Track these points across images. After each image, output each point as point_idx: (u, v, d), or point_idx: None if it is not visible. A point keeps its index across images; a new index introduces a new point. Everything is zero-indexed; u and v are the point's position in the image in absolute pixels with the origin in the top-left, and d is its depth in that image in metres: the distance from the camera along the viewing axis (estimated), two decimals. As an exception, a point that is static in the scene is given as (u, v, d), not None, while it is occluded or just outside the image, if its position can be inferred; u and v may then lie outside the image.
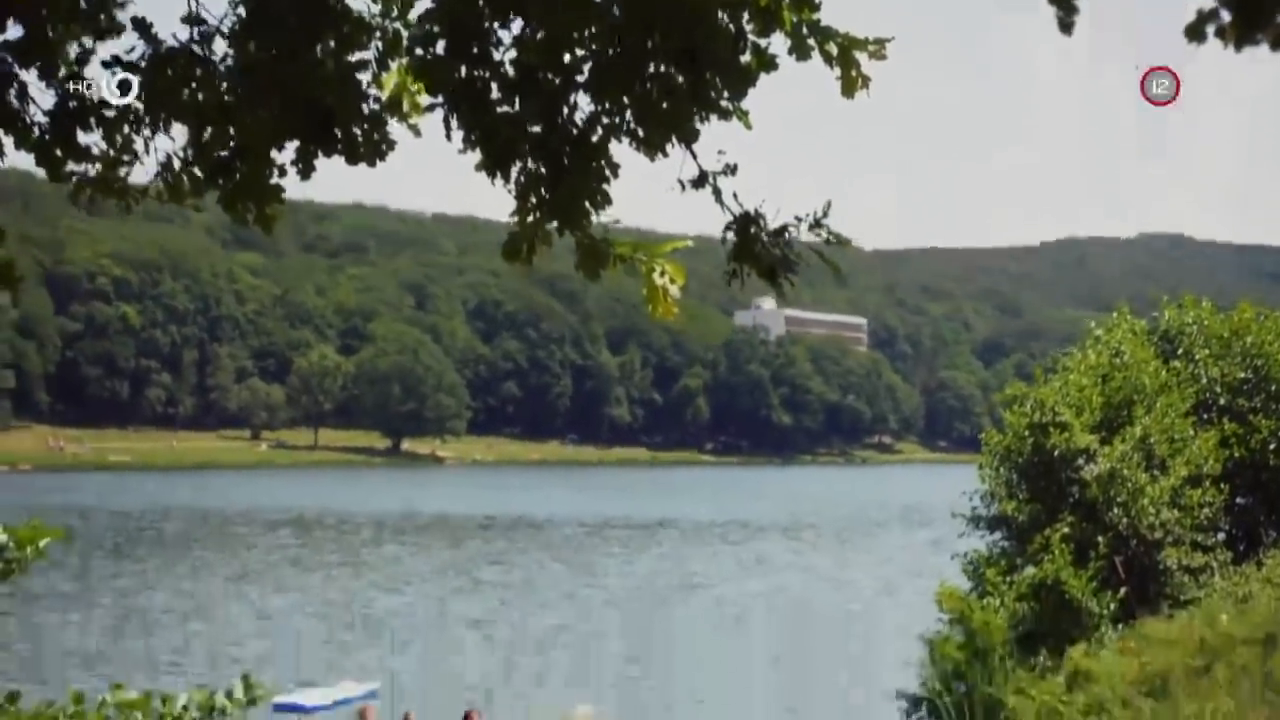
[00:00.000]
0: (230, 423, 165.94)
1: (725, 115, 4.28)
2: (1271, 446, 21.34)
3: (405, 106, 4.75)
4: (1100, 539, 18.67)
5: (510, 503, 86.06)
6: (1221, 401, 22.19)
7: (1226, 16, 3.53)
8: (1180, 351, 22.90)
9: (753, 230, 4.34)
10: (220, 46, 4.37)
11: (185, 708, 5.35)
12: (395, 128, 4.70)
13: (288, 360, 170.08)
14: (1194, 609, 17.79)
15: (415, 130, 4.81)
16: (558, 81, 4.27)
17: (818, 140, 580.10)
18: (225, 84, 4.30)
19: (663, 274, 4.49)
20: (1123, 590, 18.36)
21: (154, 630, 32.17)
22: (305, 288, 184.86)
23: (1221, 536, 21.08)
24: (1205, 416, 21.82)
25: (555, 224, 4.46)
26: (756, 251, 4.35)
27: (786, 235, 4.32)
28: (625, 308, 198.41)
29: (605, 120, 4.30)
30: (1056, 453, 19.63)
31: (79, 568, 45.44)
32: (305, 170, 4.36)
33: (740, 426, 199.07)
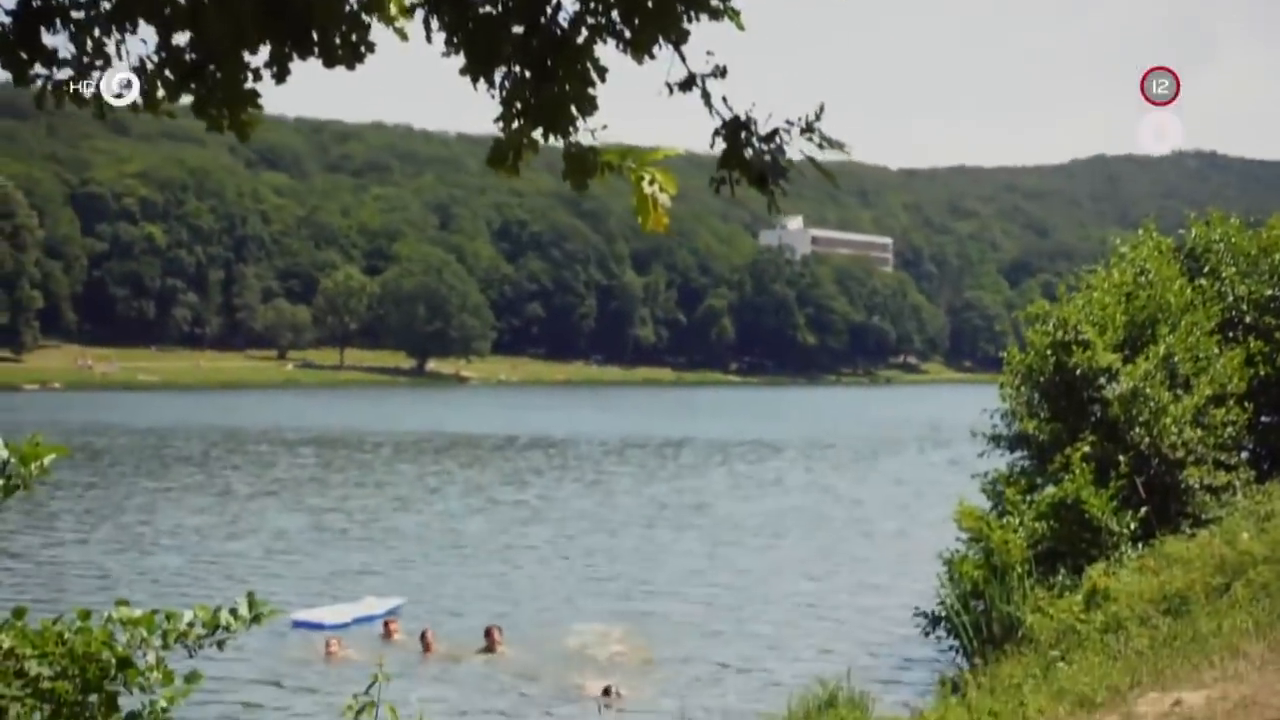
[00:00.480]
0: (257, 343, 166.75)
1: (715, 14, 4.10)
2: (1297, 365, 21.11)
3: (393, 10, 4.57)
4: (1121, 458, 18.49)
5: (532, 422, 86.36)
6: (1248, 319, 21.95)
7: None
8: (1206, 269, 22.60)
9: (742, 135, 4.17)
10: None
11: (190, 625, 5.33)
12: (381, 32, 4.52)
13: (313, 280, 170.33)
14: (1215, 528, 17.66)
15: (401, 34, 4.63)
16: (541, -21, 4.10)
17: (836, 55, 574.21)
18: (196, -18, 4.13)
19: (652, 182, 4.33)
20: (1143, 509, 18.21)
21: (172, 549, 32.24)
22: (330, 208, 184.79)
23: (1245, 455, 20.92)
24: (1230, 335, 21.58)
25: (541, 130, 4.29)
26: (746, 157, 4.18)
27: (778, 140, 4.15)
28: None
29: (590, 20, 4.12)
30: (1078, 371, 19.41)
31: (99, 486, 45.79)
32: (280, 73, 4.19)
33: (765, 347, 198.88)
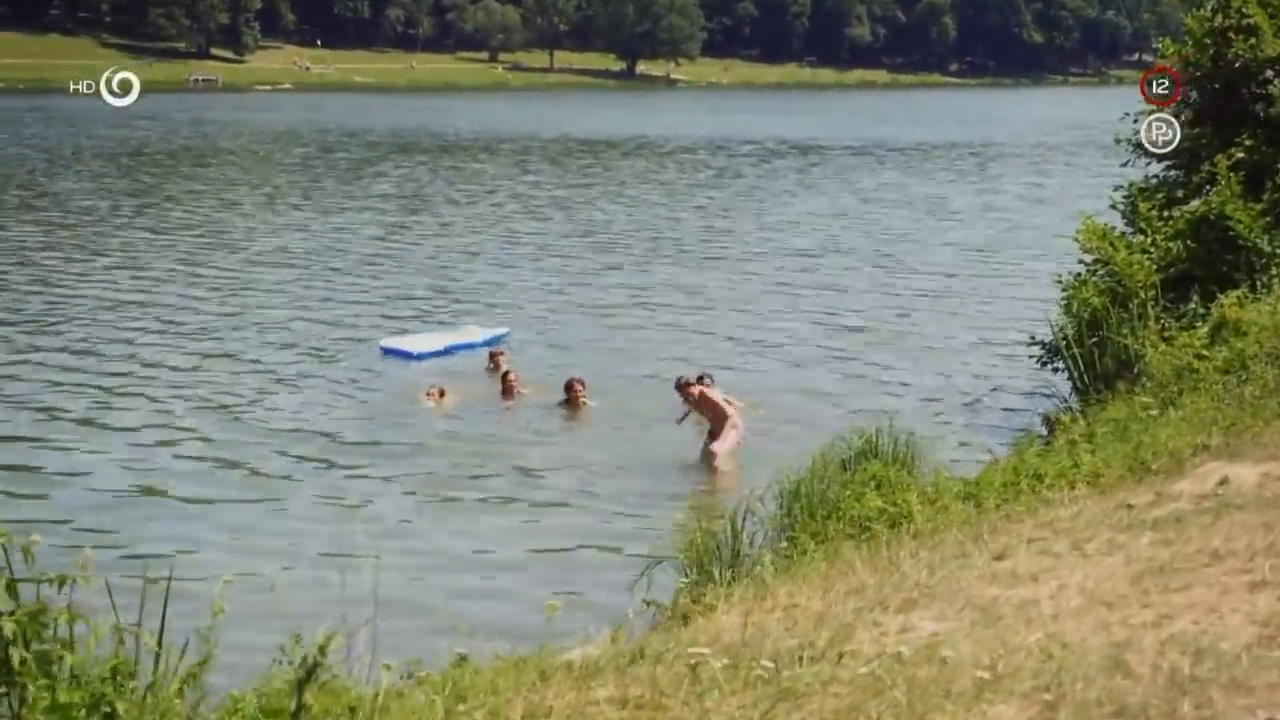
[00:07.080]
0: (468, 44, 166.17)
1: None
2: None
3: None
4: (1280, 167, 15.73)
5: (729, 126, 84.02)
6: None
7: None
8: None
9: None
10: None
11: None
12: None
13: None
14: (1388, 249, 14.98)
15: None
16: None
17: None
18: None
19: None
20: (1301, 227, 15.53)
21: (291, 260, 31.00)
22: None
23: None
24: None
25: None
26: None
27: None
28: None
29: None
30: (1238, 64, 16.47)
31: (206, 194, 44.87)
32: None
33: (988, 45, 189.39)
